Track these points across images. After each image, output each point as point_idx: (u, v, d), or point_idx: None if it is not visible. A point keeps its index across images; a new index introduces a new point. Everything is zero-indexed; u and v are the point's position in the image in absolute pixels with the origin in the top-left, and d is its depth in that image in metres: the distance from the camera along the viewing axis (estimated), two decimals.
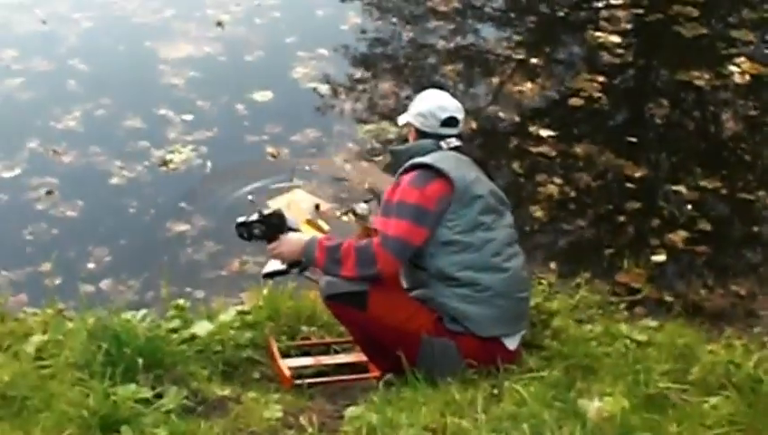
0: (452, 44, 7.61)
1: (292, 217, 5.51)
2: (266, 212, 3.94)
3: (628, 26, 7.62)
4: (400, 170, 3.80)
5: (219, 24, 7.82)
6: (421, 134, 3.89)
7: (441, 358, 3.67)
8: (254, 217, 3.92)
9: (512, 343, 3.75)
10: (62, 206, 5.83)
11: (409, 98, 6.69)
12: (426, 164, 3.70)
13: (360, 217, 5.67)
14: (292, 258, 3.91)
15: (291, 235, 3.92)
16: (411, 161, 3.76)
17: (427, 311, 3.70)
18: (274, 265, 5.38)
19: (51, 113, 6.66)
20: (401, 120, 4.02)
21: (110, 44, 7.57)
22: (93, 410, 3.25)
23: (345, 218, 5.76)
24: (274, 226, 3.94)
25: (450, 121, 3.88)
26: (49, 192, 5.91)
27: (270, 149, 6.32)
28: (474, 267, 3.65)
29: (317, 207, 5.76)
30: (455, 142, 3.87)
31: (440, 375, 3.63)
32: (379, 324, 3.71)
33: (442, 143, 3.85)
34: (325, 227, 5.52)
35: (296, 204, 5.80)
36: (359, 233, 5.40)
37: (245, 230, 3.92)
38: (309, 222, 5.52)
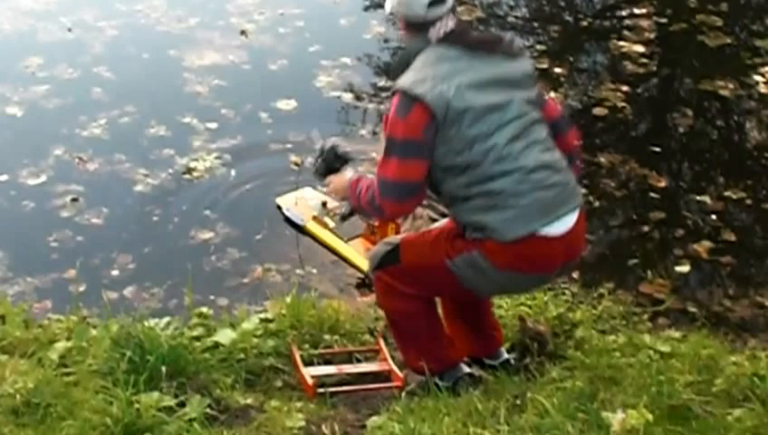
0: None
1: (298, 213, 5.66)
2: (326, 147, 3.97)
3: (652, 36, 7.59)
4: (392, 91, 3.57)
5: (243, 32, 7.83)
6: (409, 27, 3.57)
7: (474, 272, 3.53)
8: (317, 153, 3.99)
9: (555, 229, 3.49)
10: (87, 213, 5.84)
11: None
12: (403, 90, 3.43)
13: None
14: (340, 195, 3.91)
15: (344, 171, 3.87)
16: (395, 86, 3.50)
17: (445, 234, 3.63)
18: (293, 214, 5.70)
19: (76, 121, 6.68)
20: (387, 6, 3.65)
21: (134, 52, 7.59)
22: (117, 417, 3.29)
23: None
24: (329, 160, 3.94)
25: (437, 1, 3.52)
26: (74, 199, 5.93)
27: (294, 158, 6.31)
28: (480, 181, 3.44)
29: (324, 204, 5.80)
30: (448, 25, 3.54)
31: (497, 289, 3.71)
32: (413, 268, 3.67)
33: (431, 35, 3.52)
34: (331, 223, 5.63)
35: (304, 201, 5.85)
36: (364, 230, 5.56)
37: (316, 167, 3.99)
38: (315, 218, 5.69)
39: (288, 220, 5.81)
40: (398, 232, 5.27)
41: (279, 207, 5.87)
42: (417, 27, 3.55)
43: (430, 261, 3.62)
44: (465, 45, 3.50)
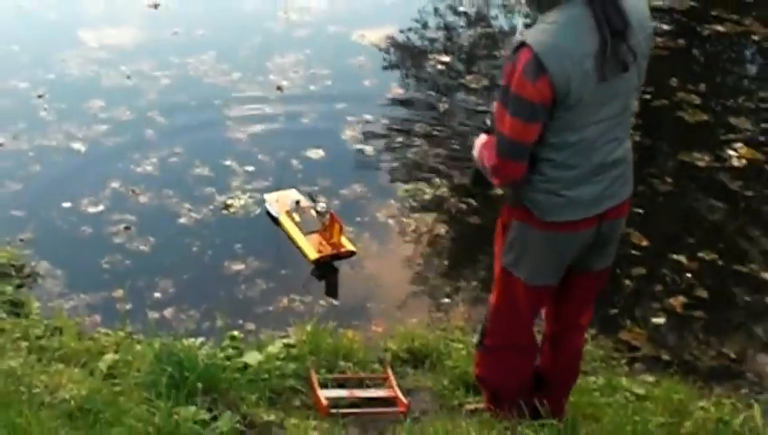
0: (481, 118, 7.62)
1: (277, 208, 6.01)
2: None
3: (637, 110, 7.60)
4: (518, 40, 3.02)
5: (279, 88, 7.88)
6: None
7: (520, 248, 3.28)
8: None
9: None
10: (137, 240, 5.89)
11: (442, 162, 6.82)
12: (534, 54, 2.93)
13: (320, 214, 5.96)
14: (478, 161, 3.39)
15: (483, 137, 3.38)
16: (521, 38, 3.00)
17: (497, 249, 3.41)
18: (272, 208, 6.00)
19: (131, 158, 6.75)
20: None
21: (184, 100, 7.64)
22: (158, 427, 3.30)
23: (315, 214, 5.99)
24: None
25: None
26: (126, 228, 5.97)
27: (321, 200, 6.34)
28: (549, 162, 3.13)
29: (297, 202, 6.11)
30: None
31: (553, 258, 3.26)
32: (496, 303, 3.48)
33: None
34: (297, 218, 5.97)
35: (285, 198, 6.15)
36: (319, 228, 5.87)
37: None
38: (287, 213, 6.03)
39: (268, 213, 6.10)
40: (341, 232, 5.67)
41: (264, 200, 6.17)
42: None
43: (498, 278, 3.43)
44: (604, 15, 2.96)
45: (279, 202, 6.10)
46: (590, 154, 3.12)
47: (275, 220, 6.05)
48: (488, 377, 3.68)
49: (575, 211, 3.19)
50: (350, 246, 5.77)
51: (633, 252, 5.88)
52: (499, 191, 3.33)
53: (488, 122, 3.39)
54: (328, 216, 5.80)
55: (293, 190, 6.27)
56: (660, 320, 5.35)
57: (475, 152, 3.38)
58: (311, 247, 5.74)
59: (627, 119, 3.19)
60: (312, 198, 6.17)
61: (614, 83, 3.03)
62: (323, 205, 6.00)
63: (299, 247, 5.80)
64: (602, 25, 2.93)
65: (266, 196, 6.21)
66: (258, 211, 6.21)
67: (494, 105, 3.18)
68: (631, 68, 3.04)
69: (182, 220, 6.13)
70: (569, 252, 3.30)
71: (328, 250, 5.71)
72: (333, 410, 3.92)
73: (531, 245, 3.28)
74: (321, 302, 5.45)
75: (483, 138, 3.36)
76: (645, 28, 3.10)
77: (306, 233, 5.86)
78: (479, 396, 3.96)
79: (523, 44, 2.98)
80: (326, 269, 5.70)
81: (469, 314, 5.37)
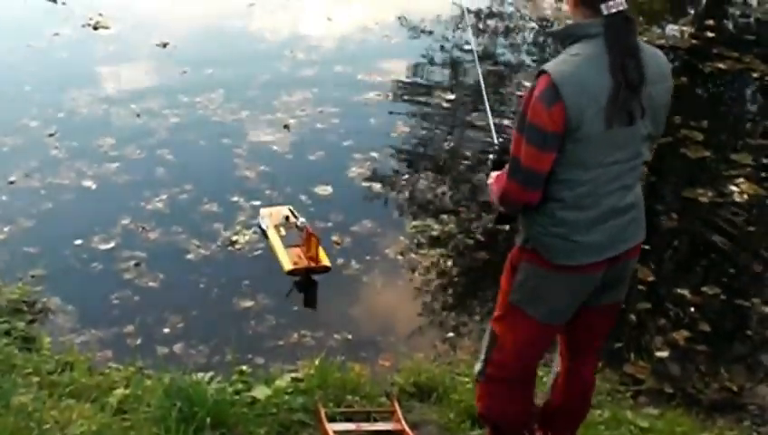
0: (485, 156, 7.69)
1: (267, 222, 6.29)
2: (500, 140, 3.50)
3: None
4: (540, 69, 3.03)
5: (286, 126, 7.95)
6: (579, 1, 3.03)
7: (530, 288, 3.24)
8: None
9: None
10: (146, 277, 5.93)
11: (449, 199, 6.88)
12: (552, 81, 2.93)
13: (298, 229, 6.20)
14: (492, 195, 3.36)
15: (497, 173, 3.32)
16: (544, 66, 3.00)
17: (506, 281, 3.38)
18: (264, 222, 6.27)
19: (141, 195, 6.80)
20: None
21: (193, 139, 7.73)
22: None
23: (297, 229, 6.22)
24: (497, 153, 3.42)
25: None
26: (137, 264, 6.02)
27: (334, 238, 6.40)
28: (557, 201, 3.08)
29: (287, 218, 6.39)
30: (617, 7, 2.95)
31: (564, 296, 3.23)
32: (503, 335, 3.42)
33: (591, 26, 2.98)
34: (283, 232, 6.25)
35: (277, 214, 6.43)
36: (300, 242, 6.08)
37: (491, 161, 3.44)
38: (275, 227, 6.31)
39: (259, 226, 6.36)
40: (318, 244, 5.89)
41: (259, 214, 6.47)
42: (587, 4, 3.01)
43: (504, 313, 3.38)
44: (621, 64, 2.96)
45: (271, 216, 6.38)
46: (600, 198, 3.07)
47: (264, 233, 6.28)
48: (491, 409, 3.65)
49: (587, 255, 3.14)
50: (326, 262, 6.00)
51: (639, 287, 5.90)
52: (507, 228, 3.33)
53: (492, 157, 3.41)
54: (305, 231, 6.01)
55: (287, 207, 6.52)
56: (664, 353, 5.38)
57: (491, 181, 3.34)
58: (287, 259, 5.98)
59: (638, 165, 3.15)
60: (295, 215, 6.38)
61: (624, 130, 3.01)
62: (303, 220, 6.24)
63: (277, 259, 6.02)
64: (617, 73, 2.94)
65: (261, 210, 6.49)
66: (263, 247, 6.26)
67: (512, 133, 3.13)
68: (638, 122, 3.02)
69: (190, 256, 6.18)
70: (582, 292, 3.29)
71: (303, 263, 5.97)
72: None
73: (542, 285, 3.26)
74: (336, 336, 5.49)
75: (493, 173, 3.34)
76: (664, 80, 3.14)
77: (288, 246, 6.09)
78: (484, 429, 3.98)
79: (542, 72, 2.99)
80: (306, 282, 5.94)
81: (475, 348, 5.37)
